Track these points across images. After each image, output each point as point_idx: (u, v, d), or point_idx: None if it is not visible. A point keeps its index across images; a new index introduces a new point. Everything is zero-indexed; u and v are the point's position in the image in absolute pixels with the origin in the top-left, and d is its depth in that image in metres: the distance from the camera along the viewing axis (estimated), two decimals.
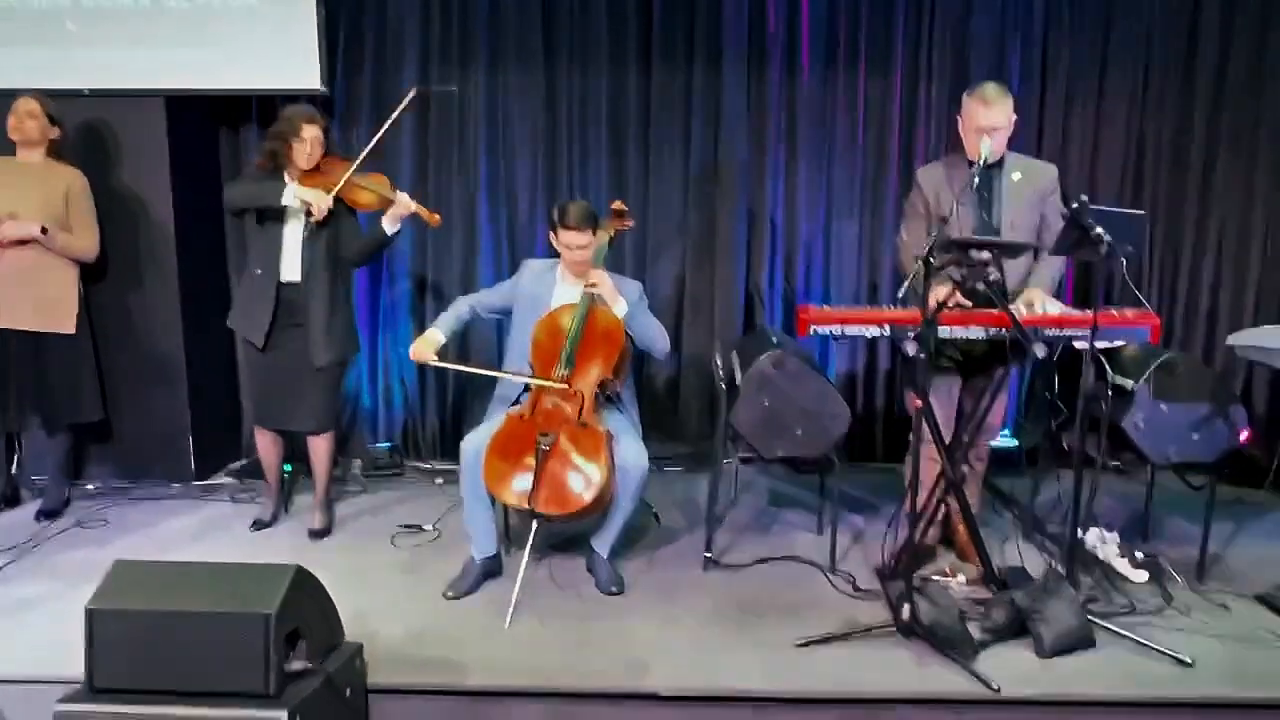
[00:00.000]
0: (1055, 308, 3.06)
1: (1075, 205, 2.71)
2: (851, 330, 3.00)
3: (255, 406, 3.75)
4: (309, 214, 3.42)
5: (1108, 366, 3.19)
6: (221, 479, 4.39)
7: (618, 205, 3.38)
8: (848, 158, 4.52)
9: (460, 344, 4.55)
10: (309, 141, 3.41)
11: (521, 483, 2.99)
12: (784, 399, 3.22)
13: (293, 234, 3.48)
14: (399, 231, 3.55)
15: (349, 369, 3.85)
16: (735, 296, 4.61)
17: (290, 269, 3.48)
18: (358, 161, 3.49)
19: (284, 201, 3.40)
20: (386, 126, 3.55)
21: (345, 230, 3.55)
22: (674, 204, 4.59)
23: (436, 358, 3.27)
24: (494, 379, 3.46)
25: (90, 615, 2.21)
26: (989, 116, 3.07)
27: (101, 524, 3.81)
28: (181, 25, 4.09)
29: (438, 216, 3.60)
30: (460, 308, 3.42)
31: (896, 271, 3.71)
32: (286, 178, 3.44)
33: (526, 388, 3.26)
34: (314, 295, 3.49)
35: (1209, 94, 4.40)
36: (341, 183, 3.43)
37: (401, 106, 3.56)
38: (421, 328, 4.60)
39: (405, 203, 3.47)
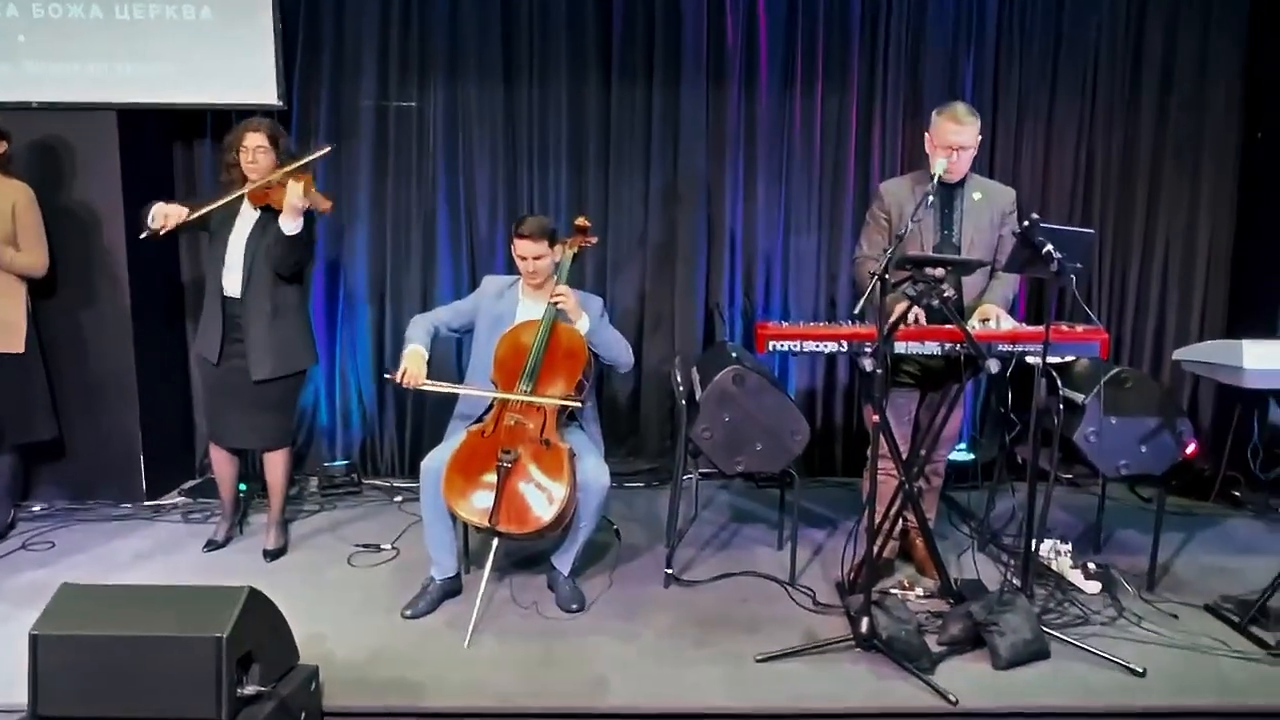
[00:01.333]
0: (1008, 323, 3.12)
1: (1026, 224, 2.77)
2: (810, 346, 3.03)
3: (209, 423, 3.68)
4: (251, 232, 3.39)
5: (1059, 381, 3.25)
6: (174, 499, 4.29)
7: (581, 221, 3.37)
8: (805, 173, 4.58)
9: None
10: (250, 150, 3.35)
11: (482, 500, 2.97)
12: (744, 415, 3.24)
13: (235, 248, 3.42)
14: (300, 229, 3.32)
15: (303, 383, 3.74)
16: (695, 312, 4.63)
17: (232, 284, 3.42)
18: (287, 168, 3.35)
19: (147, 226, 3.34)
20: (298, 165, 3.39)
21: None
22: (634, 219, 4.61)
23: (427, 381, 3.14)
24: (454, 395, 3.41)
25: (35, 641, 2.15)
26: (959, 135, 3.13)
27: (48, 546, 3.72)
28: (135, 38, 4.03)
29: (329, 203, 3.43)
30: (425, 324, 3.31)
31: (854, 284, 3.76)
32: (243, 189, 3.39)
33: (490, 406, 3.23)
34: (253, 307, 3.41)
35: (1154, 113, 4.55)
36: (256, 186, 3.33)
37: (312, 157, 3.45)
38: (380, 345, 4.59)
39: (294, 190, 3.26)
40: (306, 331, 3.60)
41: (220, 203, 3.36)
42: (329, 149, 3.53)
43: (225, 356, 3.45)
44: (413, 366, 3.12)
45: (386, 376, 3.21)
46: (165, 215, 3.31)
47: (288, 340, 3.48)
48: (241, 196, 3.36)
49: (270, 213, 3.39)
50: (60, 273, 3.95)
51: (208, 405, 3.64)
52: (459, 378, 3.66)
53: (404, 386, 3.13)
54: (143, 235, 3.38)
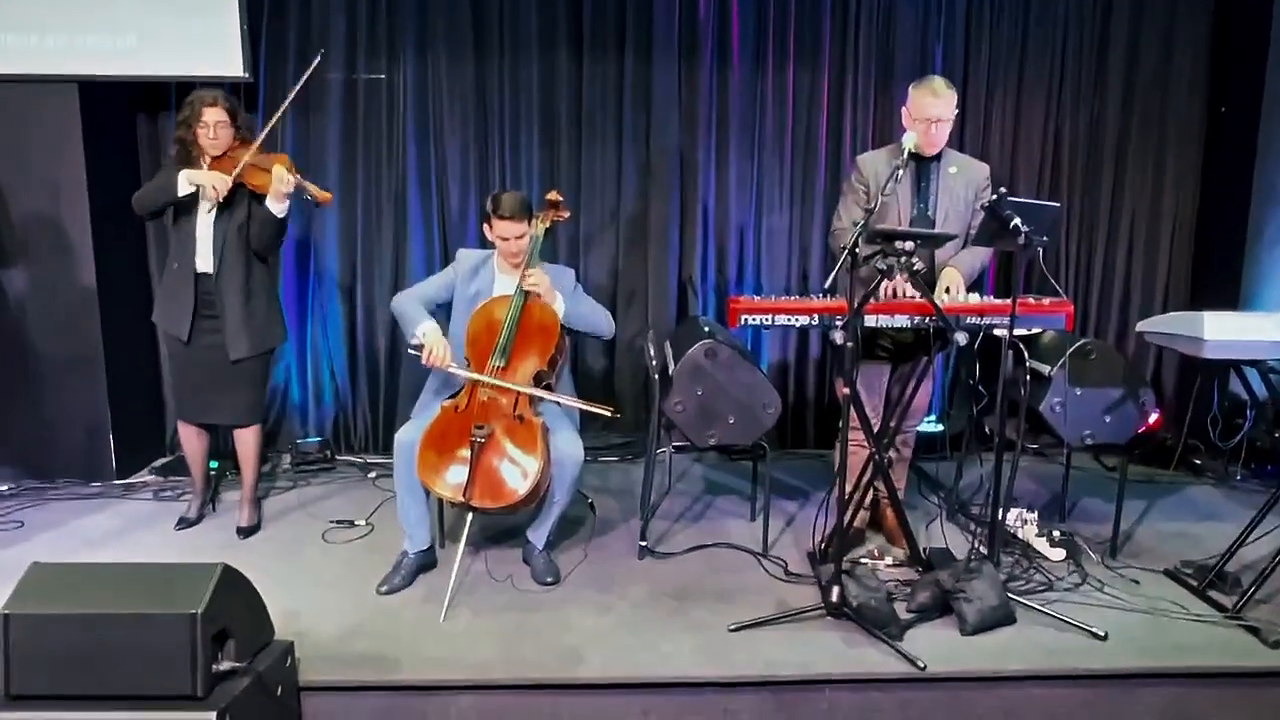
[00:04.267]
0: (962, 295, 3.15)
1: (994, 197, 2.80)
2: (781, 320, 3.05)
3: (178, 400, 3.65)
4: (220, 207, 3.34)
5: (1026, 353, 3.30)
6: (145, 476, 4.27)
7: (553, 196, 3.35)
8: (778, 148, 4.58)
9: (390, 340, 4.53)
10: (211, 126, 3.29)
11: (456, 475, 2.97)
12: (716, 388, 3.26)
13: (204, 224, 3.38)
14: (288, 212, 3.39)
15: (274, 360, 3.71)
16: (668, 286, 4.64)
17: (204, 260, 3.39)
18: (256, 141, 3.35)
19: (181, 193, 3.28)
20: (291, 99, 3.41)
21: (257, 216, 3.41)
22: (607, 193, 4.60)
23: (454, 362, 3.11)
24: (427, 371, 3.38)
25: (6, 620, 2.13)
26: (936, 107, 3.15)
27: (16, 526, 3.68)
28: (96, 9, 3.94)
29: (329, 195, 3.44)
30: (416, 300, 3.24)
31: (830, 255, 3.78)
32: (202, 166, 3.35)
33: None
34: (227, 286, 3.39)
35: (1120, 87, 4.59)
36: (241, 165, 3.29)
37: (306, 75, 3.42)
38: (352, 320, 4.57)
39: (280, 177, 3.26)
40: (278, 308, 3.62)
41: (251, 164, 3.29)
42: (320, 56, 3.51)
43: (197, 334, 3.42)
44: (439, 348, 3.08)
45: (413, 351, 3.15)
46: (216, 190, 3.26)
47: (262, 318, 3.49)
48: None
49: (240, 190, 3.35)
50: (23, 248, 3.88)
51: (177, 383, 3.61)
52: None
53: (429, 366, 3.11)
54: (215, 203, 3.32)
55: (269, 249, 3.49)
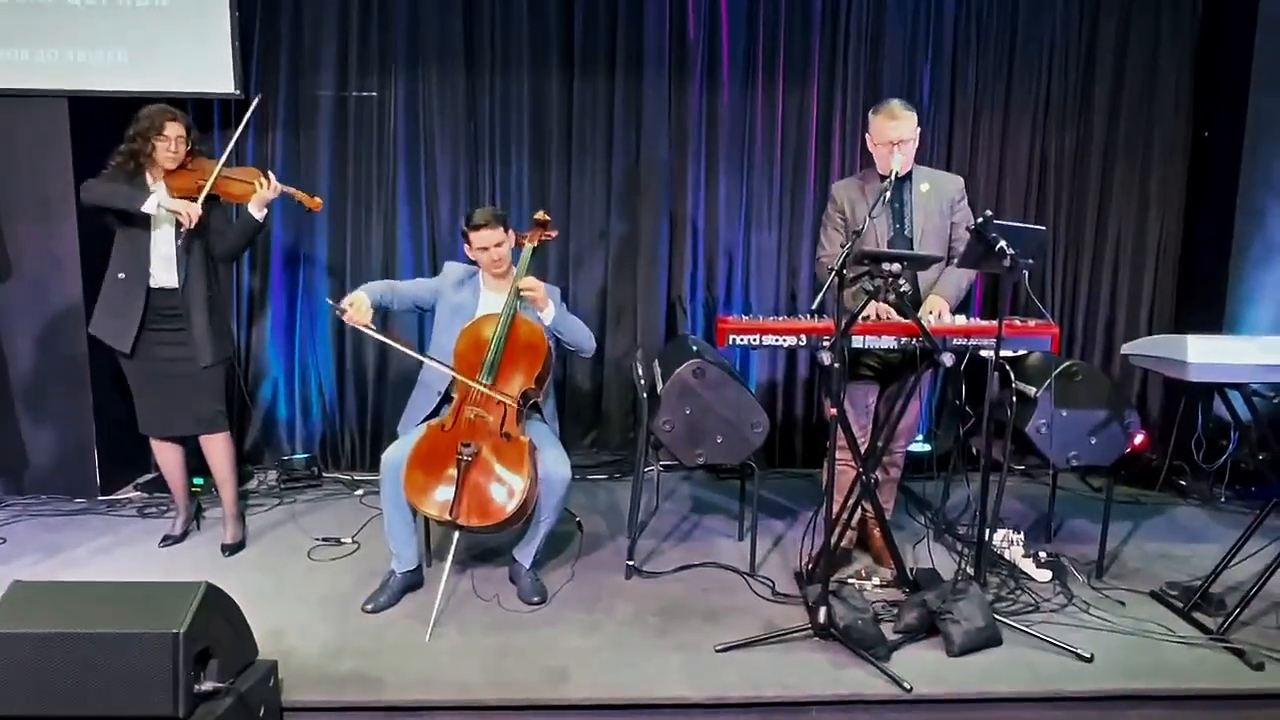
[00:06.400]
0: (949, 318, 3.17)
1: (980, 220, 2.82)
2: (769, 340, 3.06)
3: (140, 415, 3.59)
4: (179, 224, 3.33)
5: (1012, 374, 3.32)
6: (129, 493, 4.24)
7: (541, 216, 3.37)
8: (766, 168, 4.61)
9: (379, 356, 4.52)
10: (173, 140, 3.31)
11: (443, 494, 2.96)
12: (704, 407, 3.27)
13: (164, 241, 3.38)
14: (267, 217, 3.47)
15: (227, 368, 3.66)
16: (657, 305, 4.66)
17: (164, 275, 3.39)
18: (223, 157, 3.39)
19: (145, 209, 3.28)
20: (240, 130, 3.51)
21: (215, 226, 3.44)
22: (596, 211, 4.62)
23: (371, 324, 3.11)
24: (414, 378, 3.39)
25: None
26: (897, 130, 3.19)
27: None
28: (86, 24, 3.95)
29: (319, 200, 3.53)
30: (381, 287, 3.29)
31: (816, 281, 3.81)
32: (149, 178, 3.36)
33: (448, 397, 3.24)
34: (193, 298, 3.40)
35: (1106, 110, 4.65)
36: (212, 180, 3.32)
37: (248, 116, 3.50)
38: (340, 338, 4.57)
39: (270, 184, 3.38)
40: (229, 315, 3.69)
41: (224, 176, 3.37)
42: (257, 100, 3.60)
43: (145, 345, 3.42)
44: (358, 304, 3.09)
45: (330, 302, 3.18)
46: (190, 216, 3.27)
47: (223, 326, 3.54)
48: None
49: (206, 203, 3.35)
50: (11, 262, 3.87)
51: (136, 397, 3.56)
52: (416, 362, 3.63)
53: (343, 320, 3.09)
54: (185, 231, 3.33)
55: (231, 255, 3.55)
